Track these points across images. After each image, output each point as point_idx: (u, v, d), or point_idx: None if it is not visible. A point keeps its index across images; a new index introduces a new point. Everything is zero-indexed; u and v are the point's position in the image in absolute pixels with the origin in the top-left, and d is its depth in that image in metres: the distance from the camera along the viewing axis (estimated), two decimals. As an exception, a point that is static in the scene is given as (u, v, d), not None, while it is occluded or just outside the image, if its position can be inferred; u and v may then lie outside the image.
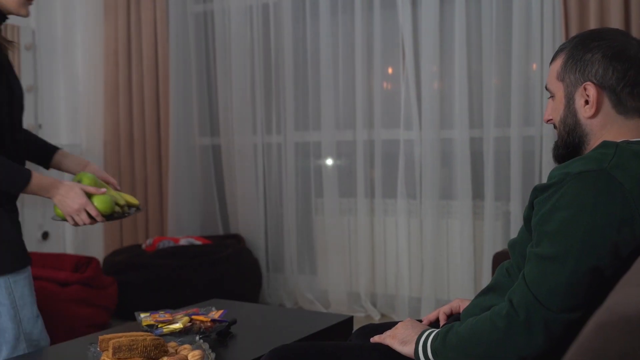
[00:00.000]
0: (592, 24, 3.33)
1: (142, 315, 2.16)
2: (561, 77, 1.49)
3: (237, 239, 4.40)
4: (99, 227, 4.75)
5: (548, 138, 3.54)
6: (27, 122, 4.59)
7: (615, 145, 1.38)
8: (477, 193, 3.82)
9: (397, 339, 1.56)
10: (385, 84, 4.10)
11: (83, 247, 4.74)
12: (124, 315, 3.86)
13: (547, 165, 3.55)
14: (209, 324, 2.07)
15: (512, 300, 1.35)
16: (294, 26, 4.26)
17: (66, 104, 4.89)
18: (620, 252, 1.29)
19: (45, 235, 4.69)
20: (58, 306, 3.59)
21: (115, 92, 4.71)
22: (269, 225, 4.45)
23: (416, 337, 1.51)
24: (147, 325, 2.08)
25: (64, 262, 3.94)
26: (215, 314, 2.14)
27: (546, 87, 1.56)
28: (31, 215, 4.61)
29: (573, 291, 1.29)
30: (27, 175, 2.03)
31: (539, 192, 1.41)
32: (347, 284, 4.18)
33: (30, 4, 2.08)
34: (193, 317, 2.10)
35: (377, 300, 4.10)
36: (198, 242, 4.25)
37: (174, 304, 3.00)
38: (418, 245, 3.95)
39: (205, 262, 3.93)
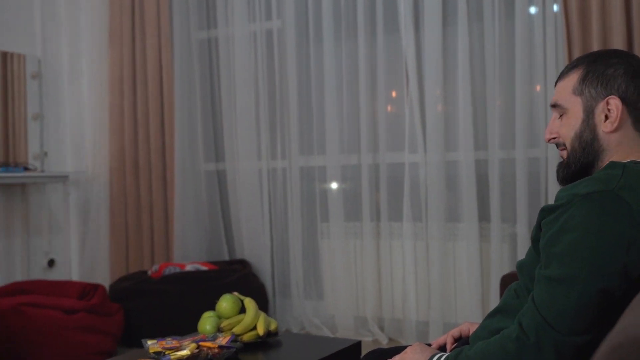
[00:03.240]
0: (595, 46, 3.34)
1: (149, 342, 2.15)
2: (579, 92, 1.48)
3: (243, 264, 4.39)
4: (105, 253, 4.74)
5: (553, 159, 3.53)
6: (33, 150, 4.62)
7: (623, 165, 1.37)
8: (483, 215, 3.81)
9: None
10: (389, 108, 4.11)
11: (89, 274, 4.73)
12: (131, 343, 3.84)
13: (552, 186, 3.55)
14: (216, 350, 2.06)
15: (521, 323, 1.34)
16: (297, 52, 4.29)
17: (72, 131, 4.91)
18: (629, 274, 1.28)
19: (51, 263, 4.68)
20: (64, 334, 3.58)
21: (121, 119, 4.73)
22: (275, 250, 4.44)
23: None
24: (154, 352, 2.06)
25: (70, 290, 3.93)
26: (223, 340, 2.12)
27: (554, 104, 1.54)
28: (37, 243, 4.62)
29: (582, 313, 1.28)
30: None
31: (546, 213, 1.40)
32: (354, 308, 4.16)
33: None
34: (200, 343, 2.09)
35: (385, 325, 4.07)
36: (204, 268, 4.24)
37: (181, 330, 2.98)
38: (425, 268, 3.93)
39: (212, 287, 3.92)
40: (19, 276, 4.42)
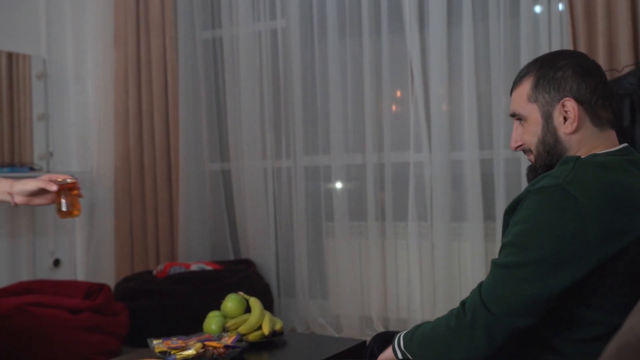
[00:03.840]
0: (601, 44, 3.33)
1: (155, 341, 2.15)
2: (534, 99, 1.52)
3: (248, 263, 4.39)
4: (110, 253, 4.75)
5: (559, 158, 3.53)
6: (39, 150, 4.63)
7: (575, 159, 1.42)
8: (488, 214, 3.81)
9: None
10: (394, 107, 4.11)
11: (94, 274, 4.74)
12: (136, 342, 3.84)
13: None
14: (221, 350, 2.06)
15: (465, 302, 1.43)
16: (302, 51, 4.29)
17: (77, 131, 4.92)
18: (572, 268, 1.33)
19: (56, 263, 4.70)
20: (69, 334, 3.59)
21: (126, 119, 4.73)
22: (280, 249, 4.44)
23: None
24: (160, 352, 2.06)
25: (76, 289, 3.94)
26: (228, 340, 2.12)
27: (513, 114, 1.58)
28: (43, 243, 4.63)
29: (517, 301, 1.35)
30: None
31: (509, 213, 1.49)
32: (359, 308, 4.15)
33: None
34: (206, 343, 2.09)
35: (390, 324, 4.07)
36: (209, 268, 4.24)
37: (186, 330, 2.98)
38: (430, 267, 3.93)
39: (217, 287, 3.92)
40: (24, 276, 4.43)
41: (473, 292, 1.43)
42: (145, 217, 4.68)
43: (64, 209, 1.94)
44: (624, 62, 3.25)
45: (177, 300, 3.91)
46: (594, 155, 1.47)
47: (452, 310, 1.47)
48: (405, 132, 4.02)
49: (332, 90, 4.15)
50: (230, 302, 2.31)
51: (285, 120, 4.36)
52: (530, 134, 1.54)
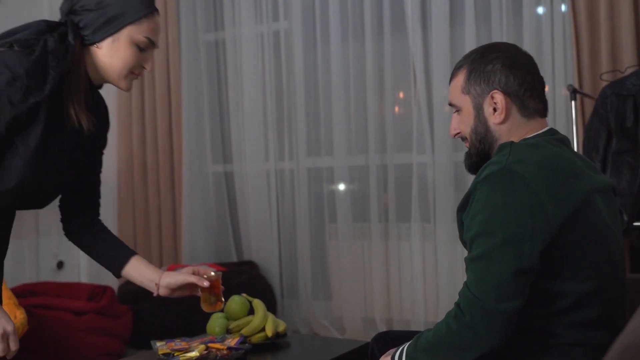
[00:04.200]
0: (604, 45, 3.33)
1: (158, 343, 2.16)
2: (467, 91, 1.61)
3: (251, 265, 4.39)
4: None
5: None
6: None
7: (510, 144, 1.52)
8: (492, 216, 3.80)
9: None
10: (397, 108, 4.11)
11: (98, 276, 4.73)
12: (139, 344, 3.85)
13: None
14: (225, 351, 2.06)
15: (459, 304, 1.46)
16: (304, 53, 4.29)
17: (80, 133, 4.93)
18: (539, 237, 1.40)
19: (60, 265, 4.70)
20: (73, 335, 3.59)
21: (129, 121, 4.74)
22: (283, 251, 4.44)
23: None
24: (163, 354, 2.07)
25: (79, 291, 3.94)
26: (231, 342, 2.13)
27: (450, 103, 1.67)
28: (46, 245, 4.64)
29: (505, 282, 1.40)
30: None
31: (461, 210, 1.54)
32: (362, 310, 4.15)
33: (135, 77, 1.71)
34: (209, 345, 2.09)
35: (393, 326, 4.07)
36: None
37: (190, 332, 2.98)
38: (433, 269, 3.92)
39: (220, 289, 3.92)
40: (28, 278, 4.43)
41: (462, 291, 1.46)
42: (148, 218, 4.69)
43: (211, 303, 1.93)
44: (627, 63, 3.24)
45: (181, 302, 3.89)
46: (525, 139, 1.56)
47: (448, 313, 1.49)
48: (408, 133, 4.02)
49: (334, 92, 4.15)
50: (234, 304, 2.31)
51: (288, 121, 4.37)
52: (464, 123, 1.64)
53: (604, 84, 3.19)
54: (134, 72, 1.69)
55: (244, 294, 2.38)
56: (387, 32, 4.02)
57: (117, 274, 1.90)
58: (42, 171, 1.62)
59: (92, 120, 1.67)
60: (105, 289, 3.95)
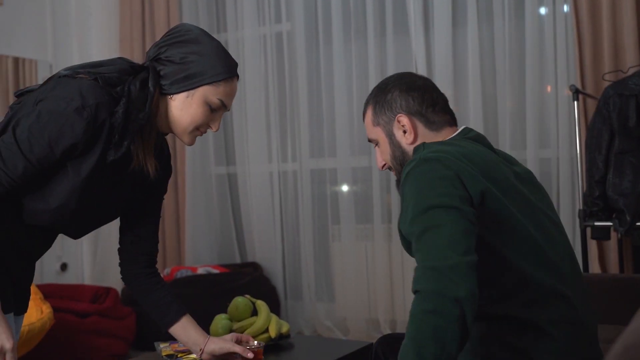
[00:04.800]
0: (606, 45, 3.33)
1: (162, 345, 2.16)
2: (377, 123, 1.72)
3: (255, 267, 4.40)
4: (117, 257, 4.75)
5: (564, 159, 3.53)
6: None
7: (422, 144, 1.60)
8: (495, 216, 3.80)
9: None
10: (399, 109, 4.10)
11: (101, 278, 4.74)
12: (143, 346, 3.85)
13: (564, 186, 3.54)
14: (228, 353, 2.06)
15: (417, 289, 1.36)
16: (307, 54, 4.29)
17: (83, 136, 4.94)
18: (467, 202, 1.43)
19: (63, 267, 4.71)
20: (77, 337, 3.60)
21: (132, 123, 4.74)
22: (286, 252, 4.44)
23: None
24: (166, 355, 2.07)
25: (83, 293, 3.95)
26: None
27: (369, 140, 1.78)
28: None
29: (456, 240, 1.36)
30: None
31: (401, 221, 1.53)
32: (365, 311, 4.15)
33: (199, 134, 1.73)
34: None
35: (397, 326, 4.07)
36: (215, 271, 4.24)
37: (193, 333, 2.99)
38: (436, 270, 3.91)
39: (223, 290, 3.92)
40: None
41: (417, 273, 1.38)
42: (151, 220, 4.68)
43: None
44: (630, 63, 3.24)
45: (184, 304, 3.89)
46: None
47: (413, 310, 1.35)
48: (410, 134, 4.02)
49: (337, 93, 4.16)
50: (237, 305, 2.31)
51: (291, 123, 4.37)
52: (385, 153, 1.73)
53: (606, 84, 3.19)
54: (200, 129, 1.70)
55: (247, 296, 2.38)
56: (389, 33, 4.02)
57: (165, 329, 1.95)
58: (85, 201, 1.62)
59: (157, 166, 1.71)
60: (108, 290, 3.96)
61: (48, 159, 1.53)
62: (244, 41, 4.45)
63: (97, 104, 1.53)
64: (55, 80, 1.58)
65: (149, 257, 1.94)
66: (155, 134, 1.68)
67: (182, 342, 1.92)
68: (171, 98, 1.66)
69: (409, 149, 1.67)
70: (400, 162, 1.70)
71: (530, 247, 1.50)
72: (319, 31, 4.26)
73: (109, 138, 1.57)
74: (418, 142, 1.66)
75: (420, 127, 1.67)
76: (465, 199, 1.43)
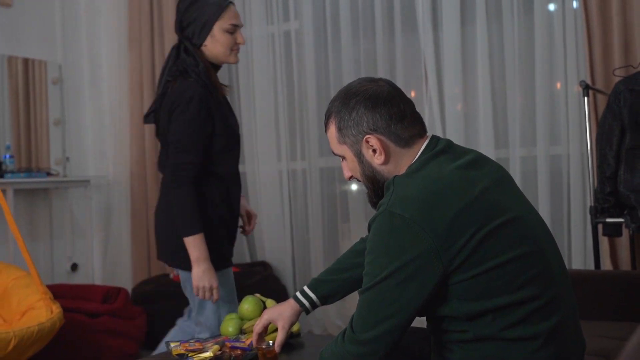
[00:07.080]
0: (616, 41, 3.31)
1: (173, 344, 2.16)
2: (342, 141, 1.64)
3: (264, 266, 4.40)
4: (127, 256, 4.77)
5: (575, 156, 3.51)
6: (55, 155, 4.66)
7: (392, 181, 1.54)
8: (505, 214, 3.78)
9: None
10: (408, 107, 4.09)
11: (112, 278, 4.76)
12: (153, 346, 3.85)
13: (574, 183, 3.52)
14: (238, 352, 2.06)
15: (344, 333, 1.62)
16: (316, 52, 4.29)
17: (93, 136, 4.96)
18: (430, 270, 1.43)
19: (74, 267, 4.72)
20: (88, 337, 3.61)
21: (141, 123, 4.74)
22: (296, 251, 4.44)
23: None
24: (177, 355, 2.07)
25: (93, 293, 3.96)
26: (246, 342, 2.13)
27: (333, 153, 1.70)
28: (60, 247, 4.66)
29: (382, 317, 1.48)
30: (194, 231, 2.43)
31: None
32: (376, 309, 4.13)
33: (237, 51, 2.55)
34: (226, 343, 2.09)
35: (407, 325, 4.05)
36: (225, 270, 4.24)
37: (203, 332, 2.99)
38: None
39: (233, 290, 3.92)
40: (42, 280, 4.45)
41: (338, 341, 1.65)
42: (161, 220, 4.69)
43: None
44: (640, 59, 3.22)
45: (194, 303, 3.91)
46: (409, 167, 1.57)
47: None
48: (420, 132, 4.00)
49: (346, 91, 4.14)
50: (247, 304, 2.31)
51: (299, 121, 4.37)
52: (353, 169, 1.67)
53: (616, 79, 3.17)
54: (233, 49, 2.52)
55: (258, 294, 2.38)
56: (398, 30, 4.01)
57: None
58: (232, 124, 2.55)
59: (225, 87, 2.60)
60: (119, 290, 3.97)
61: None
62: (252, 40, 4.45)
63: (195, 95, 2.44)
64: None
65: None
66: (214, 72, 2.54)
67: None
68: (204, 46, 2.48)
69: (382, 168, 1.60)
70: (371, 181, 1.64)
71: (529, 265, 1.48)
72: (328, 30, 4.25)
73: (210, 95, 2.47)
74: (391, 162, 1.59)
75: (391, 145, 1.59)
76: (427, 264, 1.43)
